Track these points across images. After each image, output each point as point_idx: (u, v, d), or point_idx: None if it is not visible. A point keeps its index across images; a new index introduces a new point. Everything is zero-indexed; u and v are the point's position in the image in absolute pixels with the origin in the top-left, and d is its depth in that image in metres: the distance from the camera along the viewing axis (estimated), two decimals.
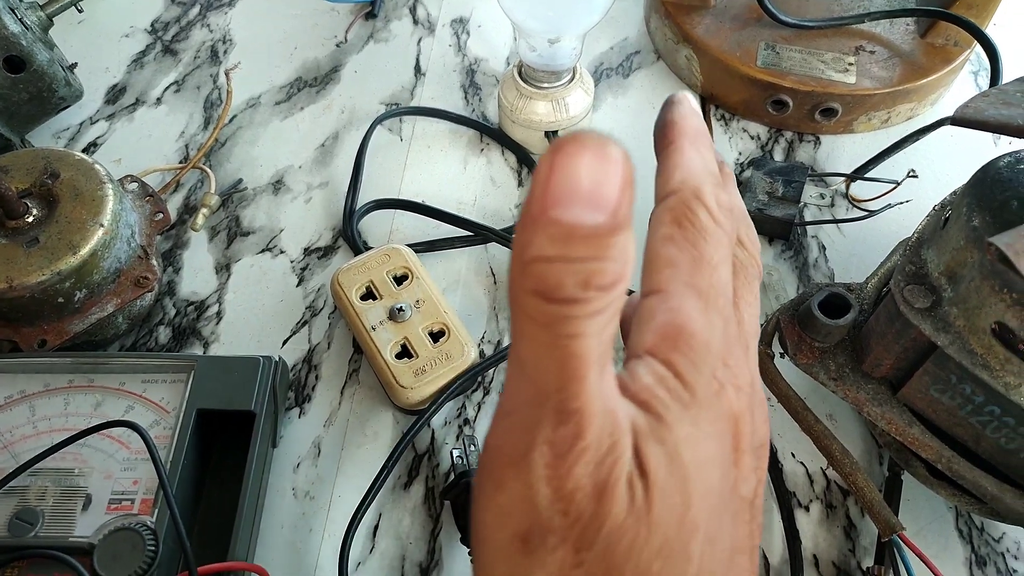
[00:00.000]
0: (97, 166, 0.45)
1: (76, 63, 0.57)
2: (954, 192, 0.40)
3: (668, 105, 0.22)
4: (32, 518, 0.36)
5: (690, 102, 0.22)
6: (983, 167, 0.36)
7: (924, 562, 0.35)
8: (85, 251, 0.42)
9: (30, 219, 0.43)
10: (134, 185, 0.49)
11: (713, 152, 0.22)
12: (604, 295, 0.16)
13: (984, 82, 0.60)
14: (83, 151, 0.55)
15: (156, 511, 0.36)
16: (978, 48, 0.55)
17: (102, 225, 0.43)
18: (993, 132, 0.35)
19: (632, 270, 0.17)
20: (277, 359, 0.42)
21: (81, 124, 0.58)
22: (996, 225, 0.33)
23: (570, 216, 0.15)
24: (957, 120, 0.36)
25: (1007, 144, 0.55)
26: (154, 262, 0.46)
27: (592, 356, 0.17)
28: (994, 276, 0.32)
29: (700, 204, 0.20)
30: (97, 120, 0.58)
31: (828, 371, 0.39)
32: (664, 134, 0.22)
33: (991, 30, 0.54)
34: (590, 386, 0.17)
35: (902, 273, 0.36)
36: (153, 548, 0.34)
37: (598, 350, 0.17)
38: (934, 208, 0.41)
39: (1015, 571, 0.40)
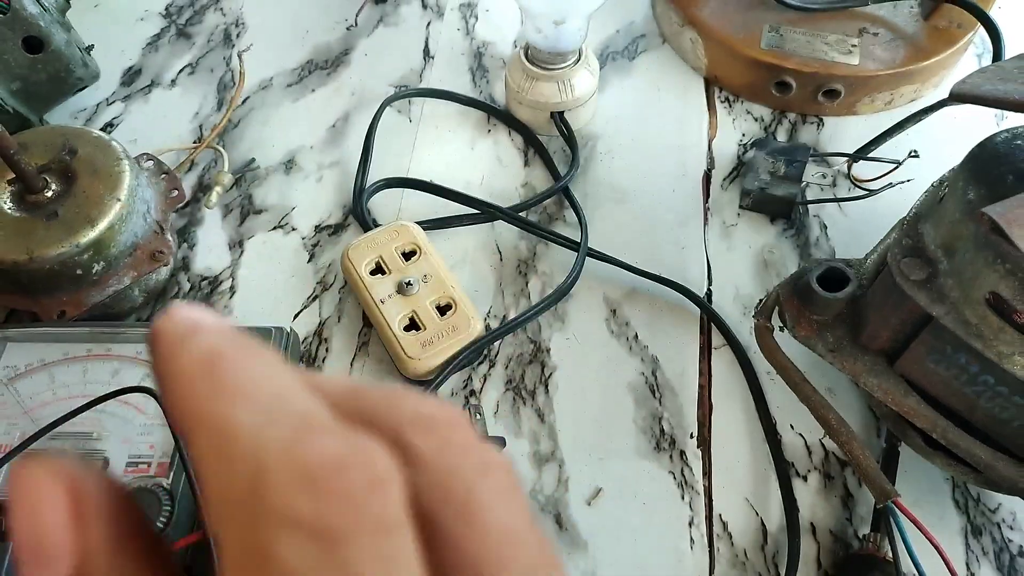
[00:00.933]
0: (114, 143, 0.47)
1: (92, 45, 0.58)
2: (952, 169, 0.40)
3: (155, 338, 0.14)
4: None
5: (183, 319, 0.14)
6: (980, 143, 0.37)
7: (919, 528, 0.36)
8: (103, 225, 0.43)
9: (49, 194, 0.44)
10: (150, 163, 0.50)
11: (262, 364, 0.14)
12: None
13: (987, 64, 0.60)
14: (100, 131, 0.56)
15: (172, 473, 0.37)
16: (981, 30, 0.55)
17: (119, 200, 0.44)
18: (989, 106, 0.36)
19: None
20: (288, 330, 0.43)
21: (98, 105, 0.59)
22: (992, 198, 0.34)
23: None
24: (954, 95, 0.36)
25: (1010, 125, 0.55)
26: (169, 237, 0.47)
27: None
28: (988, 247, 0.33)
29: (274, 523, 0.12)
30: (113, 101, 0.59)
31: (826, 343, 0.40)
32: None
33: (995, 12, 0.55)
34: None
35: (899, 246, 0.37)
36: (169, 508, 0.36)
37: None
38: (932, 184, 0.41)
39: (1010, 540, 0.40)
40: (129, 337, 0.42)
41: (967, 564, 0.40)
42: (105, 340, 0.42)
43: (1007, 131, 0.37)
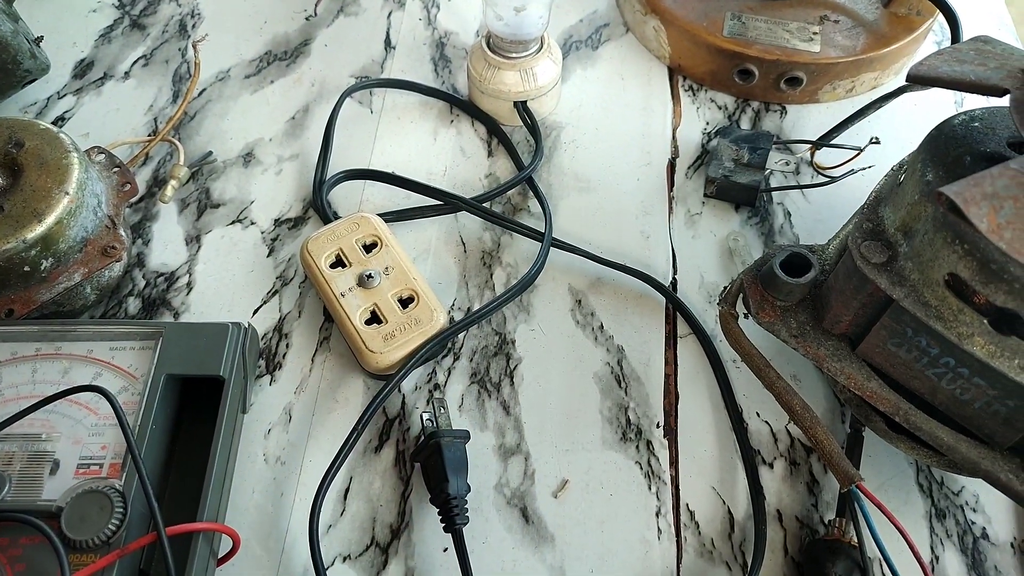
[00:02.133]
0: (62, 135, 0.45)
1: (42, 36, 0.56)
2: (912, 153, 0.40)
3: None
4: None
5: None
6: (938, 125, 0.37)
7: (883, 511, 0.36)
8: (51, 219, 0.42)
9: None
10: (101, 156, 0.49)
11: None
12: None
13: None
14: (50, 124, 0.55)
15: (124, 475, 0.36)
16: (941, 18, 0.55)
17: (67, 193, 0.43)
18: (946, 87, 0.36)
19: None
20: (246, 325, 0.42)
21: (48, 98, 0.57)
22: (949, 180, 0.34)
23: None
24: (912, 77, 0.36)
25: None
26: (122, 232, 0.46)
27: None
28: (946, 228, 0.33)
29: None
30: (65, 94, 0.58)
31: (789, 328, 0.40)
32: None
33: (954, 1, 0.55)
34: None
35: (859, 230, 0.37)
36: (122, 510, 0.34)
37: None
38: (892, 168, 0.41)
39: (973, 523, 0.41)
40: (80, 335, 0.41)
41: (931, 547, 0.40)
42: (55, 339, 0.41)
43: (964, 113, 0.37)
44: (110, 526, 0.34)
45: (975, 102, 0.55)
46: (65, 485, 0.36)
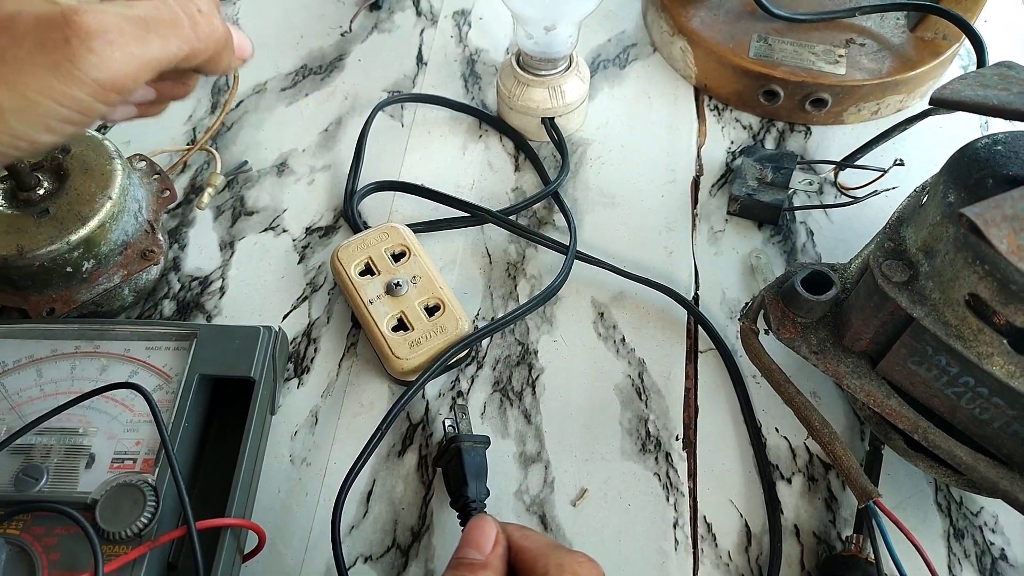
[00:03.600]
0: (107, 142, 0.47)
1: None
2: (933, 176, 0.41)
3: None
4: (37, 474, 0.37)
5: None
6: (961, 148, 0.38)
7: (900, 528, 0.36)
8: (94, 222, 0.44)
9: (41, 191, 0.44)
10: (142, 163, 0.50)
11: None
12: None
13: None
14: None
15: (157, 470, 0.37)
16: (967, 43, 0.56)
17: (110, 198, 0.45)
18: (968, 111, 0.37)
19: None
20: (277, 329, 0.43)
21: None
22: (971, 201, 0.34)
23: (462, 553, 0.32)
24: (935, 100, 0.37)
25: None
26: (160, 236, 0.47)
27: None
28: (967, 248, 0.33)
29: None
30: None
31: (810, 345, 0.40)
32: None
33: (980, 26, 0.55)
34: None
35: (881, 249, 0.38)
36: (154, 504, 0.36)
37: None
38: (915, 190, 0.42)
39: (992, 544, 0.41)
40: (118, 335, 0.42)
41: (949, 567, 0.40)
42: (94, 337, 0.42)
43: (987, 137, 0.37)
44: (142, 519, 0.35)
45: (1000, 126, 0.56)
46: (100, 478, 0.37)
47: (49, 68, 0.25)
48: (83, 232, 0.43)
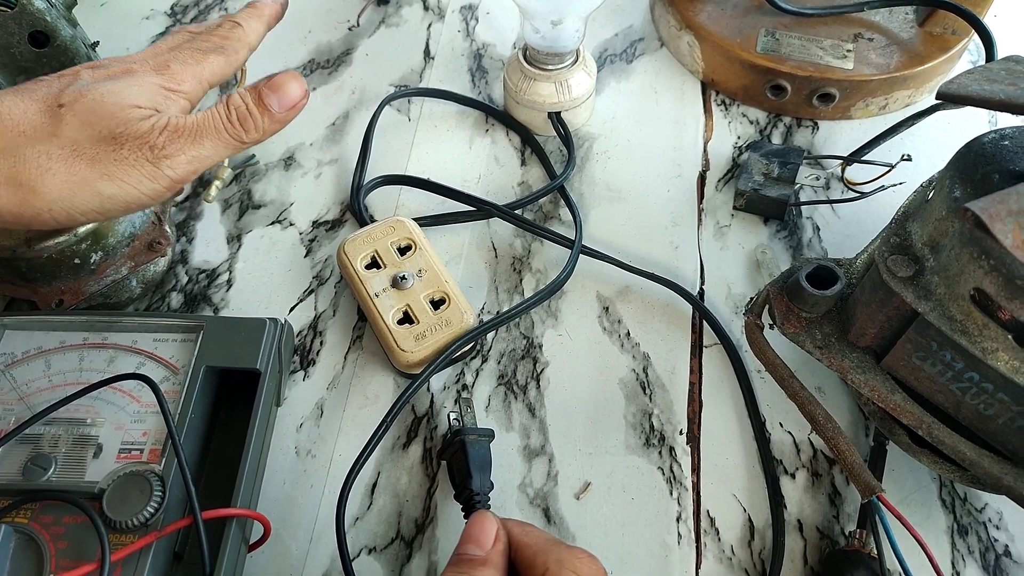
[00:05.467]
0: None
1: (98, 42, 0.59)
2: (939, 171, 0.41)
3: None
4: (45, 463, 0.37)
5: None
6: (967, 143, 0.37)
7: (903, 523, 0.36)
8: None
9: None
10: None
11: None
12: None
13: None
14: None
15: (164, 460, 0.38)
16: (976, 38, 0.56)
17: None
18: (975, 106, 0.36)
19: None
20: (283, 321, 0.43)
21: None
22: (977, 196, 0.34)
23: (463, 549, 0.32)
24: (941, 95, 0.37)
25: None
26: (167, 228, 0.48)
27: None
28: (972, 243, 0.33)
29: None
30: None
31: (814, 340, 0.40)
32: None
33: (990, 21, 0.55)
34: None
35: (886, 244, 0.38)
36: (160, 493, 0.36)
37: None
38: (921, 185, 0.42)
39: (996, 540, 0.41)
40: (126, 326, 0.42)
41: (953, 563, 0.40)
42: (102, 329, 0.42)
43: (994, 131, 0.37)
44: (149, 508, 0.35)
45: (1008, 121, 0.55)
46: (107, 468, 0.37)
47: (143, 172, 0.34)
48: (91, 224, 0.44)
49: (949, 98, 0.37)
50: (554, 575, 0.30)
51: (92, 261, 0.45)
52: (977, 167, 0.36)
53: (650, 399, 0.45)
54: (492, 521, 0.33)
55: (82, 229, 0.43)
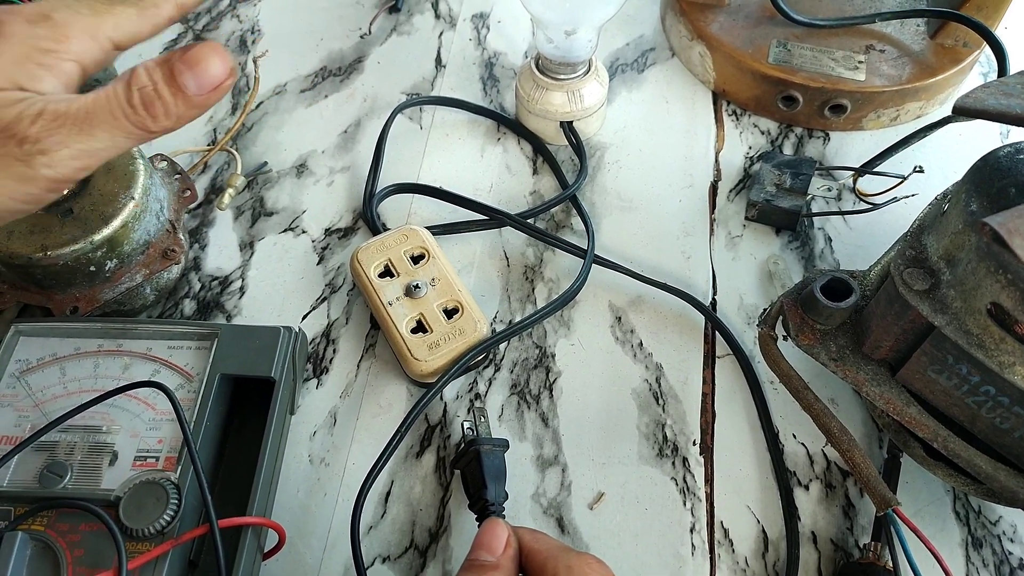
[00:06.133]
0: None
1: None
2: (956, 182, 0.41)
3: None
4: (61, 471, 0.38)
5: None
6: (983, 156, 0.38)
7: (919, 536, 0.36)
8: (116, 222, 0.44)
9: (64, 191, 0.45)
10: (163, 163, 0.51)
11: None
12: None
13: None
14: None
15: (179, 468, 0.38)
16: (987, 50, 0.56)
17: (133, 198, 0.45)
18: (992, 120, 0.37)
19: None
20: (297, 329, 0.44)
21: None
22: (994, 210, 0.34)
23: (475, 555, 0.33)
24: (958, 109, 0.37)
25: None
26: (181, 236, 0.48)
27: None
28: (989, 258, 0.33)
29: None
30: None
31: (829, 352, 0.40)
32: None
33: (1000, 32, 0.55)
34: None
35: (902, 257, 0.38)
36: (176, 502, 0.36)
37: None
38: (936, 198, 0.42)
39: (1011, 553, 0.40)
40: (140, 333, 0.42)
41: (967, 575, 0.40)
42: (116, 336, 0.42)
43: (1010, 145, 0.37)
44: (165, 516, 0.35)
45: (1021, 134, 0.55)
46: (123, 476, 0.37)
47: (9, 173, 0.27)
48: (106, 232, 0.44)
49: (965, 112, 0.37)
50: None
51: (107, 268, 0.45)
52: (993, 181, 0.36)
53: (663, 409, 0.45)
54: (503, 528, 0.33)
55: (97, 236, 0.44)
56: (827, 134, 0.57)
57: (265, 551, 0.39)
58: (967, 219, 0.35)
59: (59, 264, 0.43)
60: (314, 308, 0.49)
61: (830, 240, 0.52)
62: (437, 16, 0.66)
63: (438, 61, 0.63)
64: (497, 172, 0.56)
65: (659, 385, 0.46)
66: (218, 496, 0.40)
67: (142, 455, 0.39)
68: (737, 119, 0.59)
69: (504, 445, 0.42)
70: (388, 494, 0.43)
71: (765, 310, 0.44)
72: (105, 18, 0.29)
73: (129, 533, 0.35)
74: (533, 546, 0.33)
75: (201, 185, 0.55)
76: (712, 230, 0.53)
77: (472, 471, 0.40)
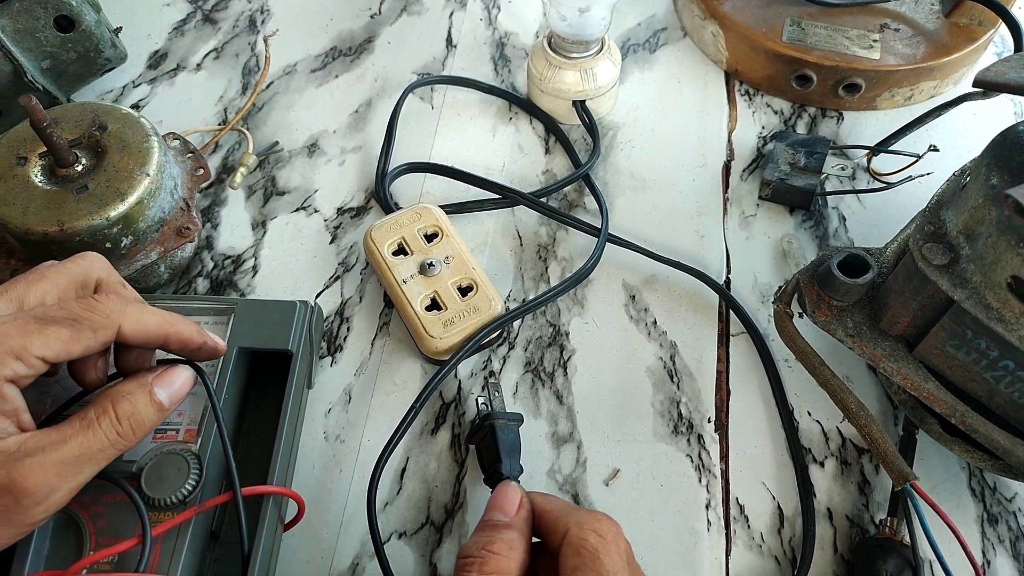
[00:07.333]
0: (143, 120, 0.47)
1: (120, 27, 0.59)
2: (975, 158, 0.41)
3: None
4: None
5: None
6: (1003, 131, 0.37)
7: (936, 511, 0.36)
8: (132, 199, 0.44)
9: (79, 168, 0.45)
10: (176, 142, 0.51)
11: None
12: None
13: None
14: None
15: (200, 439, 0.38)
16: (1003, 28, 0.55)
17: (148, 175, 0.45)
18: (1013, 93, 0.36)
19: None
20: (313, 304, 0.44)
21: (124, 87, 0.60)
22: (1014, 183, 0.34)
23: (489, 515, 0.34)
24: (978, 82, 0.37)
25: None
26: (195, 214, 0.48)
27: None
28: (1010, 231, 0.33)
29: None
30: (140, 83, 0.60)
31: (846, 328, 0.40)
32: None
33: (1016, 10, 0.55)
34: None
35: (921, 232, 0.38)
36: (197, 472, 0.36)
37: None
38: (954, 173, 0.42)
39: None
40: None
41: (983, 551, 0.40)
42: None
43: None
44: (187, 486, 0.35)
45: None
46: (145, 448, 0.37)
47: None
48: (122, 208, 0.44)
49: (986, 85, 0.37)
50: (575, 535, 0.31)
51: (123, 245, 0.45)
52: (1014, 155, 0.36)
53: (678, 387, 0.45)
54: (516, 489, 0.34)
55: (113, 213, 0.43)
56: (841, 114, 0.57)
57: (285, 522, 0.39)
58: (988, 193, 0.35)
59: (75, 240, 0.43)
60: (327, 286, 0.49)
61: (844, 219, 0.52)
62: None
63: (449, 41, 0.63)
64: (509, 152, 0.56)
65: (673, 363, 0.46)
66: (238, 467, 0.40)
67: (162, 427, 0.39)
68: (750, 99, 0.59)
69: (519, 419, 0.42)
70: (404, 470, 0.43)
71: (781, 287, 0.44)
72: (33, 339, 0.30)
73: (151, 503, 0.35)
74: (545, 506, 0.34)
75: (213, 165, 0.55)
76: (726, 209, 0.53)
77: (487, 445, 0.40)
